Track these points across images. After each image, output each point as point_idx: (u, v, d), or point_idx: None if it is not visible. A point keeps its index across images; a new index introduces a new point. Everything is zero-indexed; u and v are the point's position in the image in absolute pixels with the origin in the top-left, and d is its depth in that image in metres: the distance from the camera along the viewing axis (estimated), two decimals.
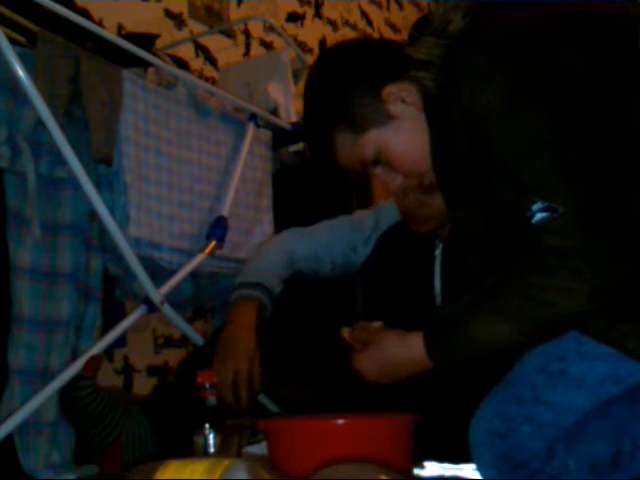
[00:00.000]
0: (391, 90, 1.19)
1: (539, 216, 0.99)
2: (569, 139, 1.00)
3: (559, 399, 1.04)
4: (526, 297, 1.01)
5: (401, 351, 1.14)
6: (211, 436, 1.16)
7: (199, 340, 1.73)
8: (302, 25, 3.35)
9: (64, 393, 1.39)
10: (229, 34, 2.82)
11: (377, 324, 1.22)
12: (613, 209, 0.98)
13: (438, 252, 1.46)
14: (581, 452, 1.04)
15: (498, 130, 1.02)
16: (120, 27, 2.29)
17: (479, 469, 1.09)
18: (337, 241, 1.59)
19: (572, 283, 0.98)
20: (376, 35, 3.97)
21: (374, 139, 1.20)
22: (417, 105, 1.18)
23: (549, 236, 0.99)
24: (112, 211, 1.49)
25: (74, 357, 1.50)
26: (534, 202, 0.99)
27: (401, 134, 1.20)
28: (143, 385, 2.24)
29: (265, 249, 1.60)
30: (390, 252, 1.54)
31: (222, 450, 1.17)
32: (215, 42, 2.69)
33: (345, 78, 1.22)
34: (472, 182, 1.10)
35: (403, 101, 1.19)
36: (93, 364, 1.45)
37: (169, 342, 2.35)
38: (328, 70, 1.28)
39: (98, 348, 1.48)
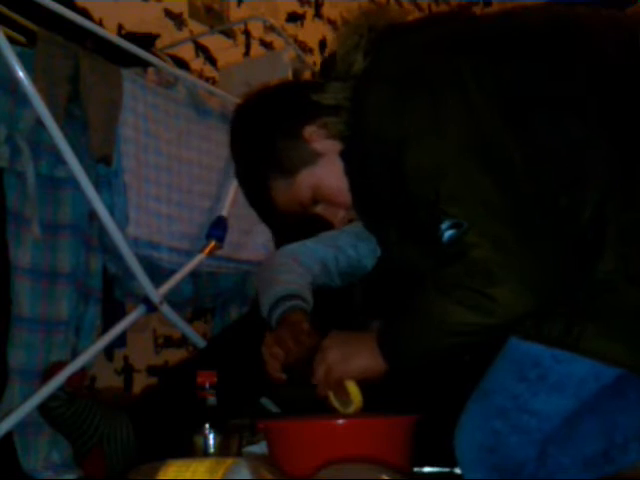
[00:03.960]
0: (312, 129, 1.20)
1: (447, 234, 1.00)
2: (476, 159, 1.00)
3: (542, 406, 1.03)
4: (454, 302, 1.02)
5: (360, 342, 1.15)
6: (211, 436, 1.16)
7: (198, 340, 1.73)
8: (302, 25, 3.35)
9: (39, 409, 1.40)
10: (229, 34, 2.82)
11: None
12: (534, 219, 0.99)
13: None
14: (574, 450, 1.04)
15: (406, 157, 1.03)
16: (120, 27, 2.29)
17: None
18: (343, 252, 1.56)
19: (489, 289, 0.98)
20: None
21: (307, 180, 1.21)
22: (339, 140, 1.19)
23: (461, 251, 0.99)
24: (111, 211, 1.49)
25: (74, 357, 1.51)
26: (442, 222, 1.00)
27: (331, 169, 1.20)
28: (143, 385, 2.23)
29: (286, 260, 1.50)
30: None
31: (222, 450, 1.17)
32: (215, 42, 2.69)
33: (266, 128, 1.24)
34: (398, 216, 1.10)
35: (328, 136, 1.19)
36: (77, 378, 1.46)
37: (169, 342, 2.35)
38: (248, 124, 1.29)
39: (97, 347, 1.49)
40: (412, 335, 1.10)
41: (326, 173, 1.20)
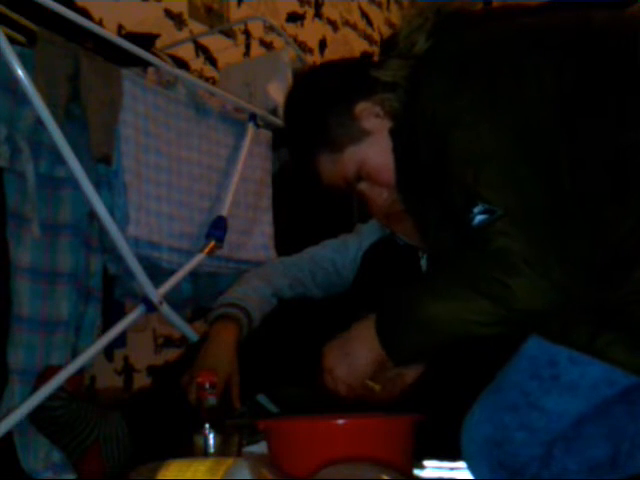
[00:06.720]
0: (363, 107, 1.22)
1: (478, 218, 1.02)
2: (524, 151, 1.02)
3: (553, 405, 1.03)
4: (468, 287, 1.04)
5: (359, 340, 1.16)
6: (211, 436, 1.16)
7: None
8: (302, 25, 3.35)
9: (36, 412, 1.39)
10: (229, 34, 2.82)
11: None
12: (567, 218, 1.00)
13: (424, 262, 1.46)
14: (580, 454, 1.04)
15: (454, 139, 1.05)
16: (120, 27, 2.29)
17: (475, 477, 1.09)
18: (319, 267, 1.61)
19: (508, 279, 1.00)
20: (376, 35, 3.98)
21: (353, 156, 1.23)
22: (389, 118, 1.21)
23: (489, 237, 1.01)
24: (111, 211, 1.49)
25: (74, 357, 1.50)
26: (476, 205, 1.02)
27: (378, 148, 1.22)
28: (143, 385, 2.23)
29: (249, 277, 1.59)
30: (378, 266, 1.57)
31: (222, 450, 1.17)
32: (215, 42, 2.70)
33: (318, 102, 1.26)
34: (440, 201, 1.11)
35: (377, 115, 1.22)
36: (76, 380, 1.47)
37: (169, 342, 2.35)
38: (301, 97, 1.32)
39: (97, 347, 1.48)
40: (413, 327, 1.10)
41: (372, 151, 1.23)
